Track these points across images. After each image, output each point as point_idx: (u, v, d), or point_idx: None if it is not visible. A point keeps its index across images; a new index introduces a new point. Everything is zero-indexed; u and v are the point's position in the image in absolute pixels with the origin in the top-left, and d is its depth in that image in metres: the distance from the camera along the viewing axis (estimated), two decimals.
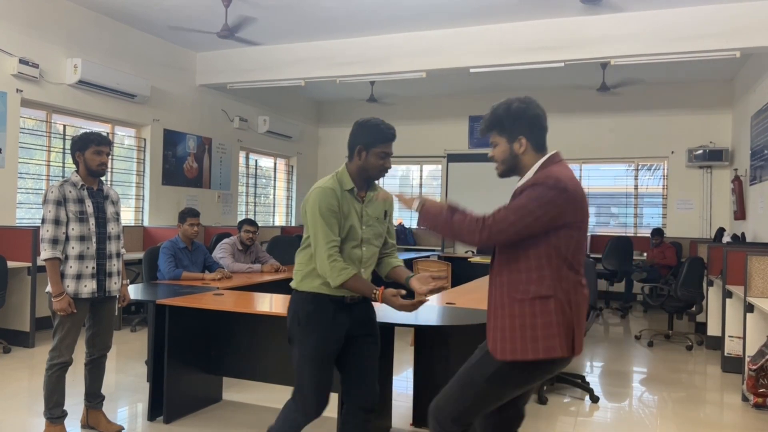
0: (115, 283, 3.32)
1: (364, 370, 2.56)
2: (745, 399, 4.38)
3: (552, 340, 1.98)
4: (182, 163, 8.49)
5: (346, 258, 2.49)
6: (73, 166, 3.29)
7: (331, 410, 3.23)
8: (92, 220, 3.21)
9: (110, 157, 3.41)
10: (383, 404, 3.52)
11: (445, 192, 10.84)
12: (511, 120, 2.11)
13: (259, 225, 5.77)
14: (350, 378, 2.58)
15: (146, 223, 7.89)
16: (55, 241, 3.10)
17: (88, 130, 3.50)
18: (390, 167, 2.57)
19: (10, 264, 5.17)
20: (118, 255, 3.35)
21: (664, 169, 9.86)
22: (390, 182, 11.63)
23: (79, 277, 3.15)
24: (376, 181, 2.66)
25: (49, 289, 3.12)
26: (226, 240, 5.51)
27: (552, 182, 1.98)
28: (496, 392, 2.11)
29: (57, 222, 3.12)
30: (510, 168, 2.15)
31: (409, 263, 6.86)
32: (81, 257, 3.16)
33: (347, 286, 2.43)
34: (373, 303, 2.60)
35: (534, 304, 2.00)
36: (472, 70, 7.41)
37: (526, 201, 1.98)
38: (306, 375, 2.48)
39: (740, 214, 8.22)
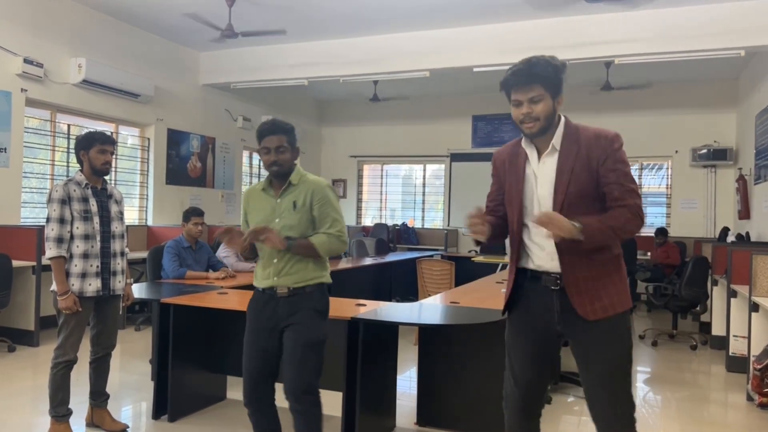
0: (120, 281, 3.32)
1: (284, 358, 2.63)
2: (749, 398, 4.36)
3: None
4: (186, 162, 8.51)
5: (259, 250, 2.70)
6: (78, 165, 3.30)
7: (335, 409, 3.24)
8: (96, 219, 3.22)
9: (114, 156, 3.41)
10: (388, 403, 3.52)
11: (448, 191, 10.84)
12: (557, 76, 2.07)
13: None
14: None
15: (150, 223, 7.91)
16: (59, 240, 3.11)
17: (92, 130, 3.51)
18: (273, 160, 2.62)
19: (15, 263, 5.18)
20: (122, 254, 3.36)
21: (667, 168, 9.83)
22: (393, 182, 11.64)
23: (83, 275, 3.15)
24: (292, 174, 2.68)
25: (54, 287, 3.13)
26: None
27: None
28: None
29: (62, 221, 3.13)
30: (548, 126, 2.09)
31: (412, 262, 6.86)
32: (85, 256, 3.16)
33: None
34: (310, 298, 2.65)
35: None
36: (475, 70, 7.40)
37: (628, 166, 2.06)
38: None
39: (744, 213, 8.19)
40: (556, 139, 2.10)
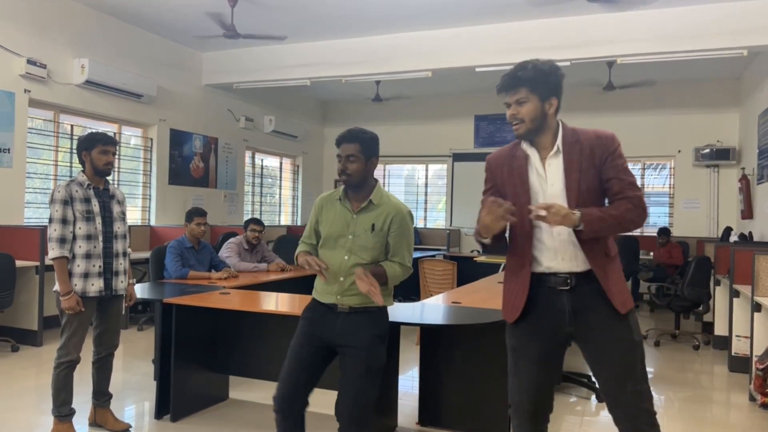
0: (122, 281, 3.34)
1: (342, 381, 2.54)
2: (752, 399, 4.35)
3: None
4: (188, 162, 8.52)
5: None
6: (80, 165, 3.31)
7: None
8: (99, 219, 3.23)
9: (116, 156, 3.42)
10: (389, 403, 3.53)
11: (451, 191, 10.83)
12: (546, 79, 2.12)
13: (265, 224, 5.78)
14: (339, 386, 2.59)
15: (153, 223, 7.92)
16: (62, 240, 3.12)
17: (94, 130, 3.53)
18: (345, 169, 2.52)
19: (18, 263, 5.20)
20: (125, 254, 3.37)
21: (670, 168, 9.82)
22: (395, 182, 11.64)
23: (86, 275, 3.17)
24: (373, 192, 2.58)
25: (56, 287, 3.14)
26: (232, 239, 5.53)
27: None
28: None
29: (64, 221, 3.14)
30: (537, 128, 2.13)
31: (415, 262, 6.84)
32: (88, 256, 3.18)
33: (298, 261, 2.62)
34: (377, 315, 2.59)
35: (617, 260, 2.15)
36: (477, 70, 7.39)
37: (626, 162, 2.11)
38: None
39: (747, 213, 8.18)
40: (559, 141, 2.14)
